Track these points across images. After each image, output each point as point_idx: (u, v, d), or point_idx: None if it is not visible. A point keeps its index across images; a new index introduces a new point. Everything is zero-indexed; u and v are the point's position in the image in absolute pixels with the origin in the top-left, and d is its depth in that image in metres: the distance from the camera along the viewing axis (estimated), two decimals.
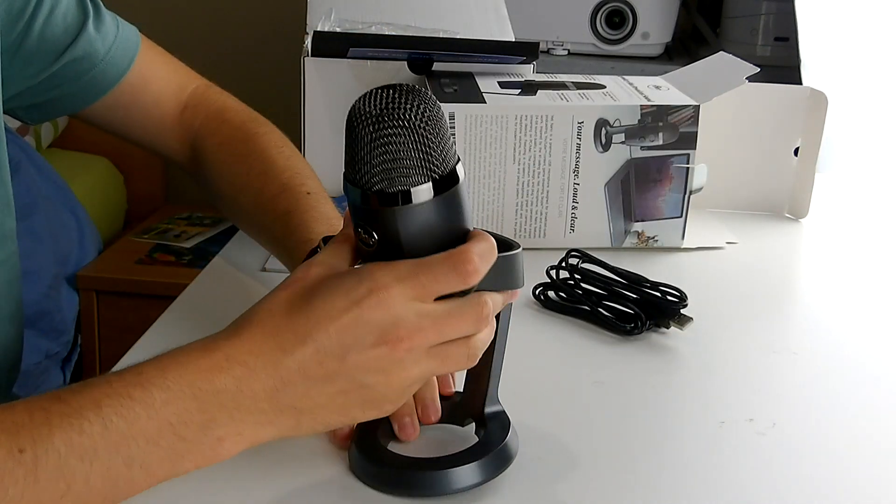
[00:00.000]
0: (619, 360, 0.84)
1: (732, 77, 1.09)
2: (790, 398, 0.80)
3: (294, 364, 0.57)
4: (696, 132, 1.02)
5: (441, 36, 1.17)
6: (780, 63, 1.74)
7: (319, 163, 1.17)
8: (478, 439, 0.68)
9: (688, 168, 1.03)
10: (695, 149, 1.02)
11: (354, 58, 1.13)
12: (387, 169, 0.58)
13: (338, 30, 1.16)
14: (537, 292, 0.92)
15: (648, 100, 1.02)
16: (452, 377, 0.73)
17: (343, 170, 0.61)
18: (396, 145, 0.58)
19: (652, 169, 1.03)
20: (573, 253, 0.93)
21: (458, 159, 0.61)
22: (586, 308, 0.90)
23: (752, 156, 1.17)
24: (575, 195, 1.03)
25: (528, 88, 1.06)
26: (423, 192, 0.58)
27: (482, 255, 0.60)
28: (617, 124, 1.01)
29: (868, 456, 0.72)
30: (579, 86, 1.07)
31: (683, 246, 1.06)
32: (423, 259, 0.59)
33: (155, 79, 0.94)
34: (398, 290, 0.58)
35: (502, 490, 0.65)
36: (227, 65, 2.64)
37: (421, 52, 1.13)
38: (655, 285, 0.89)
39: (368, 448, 0.66)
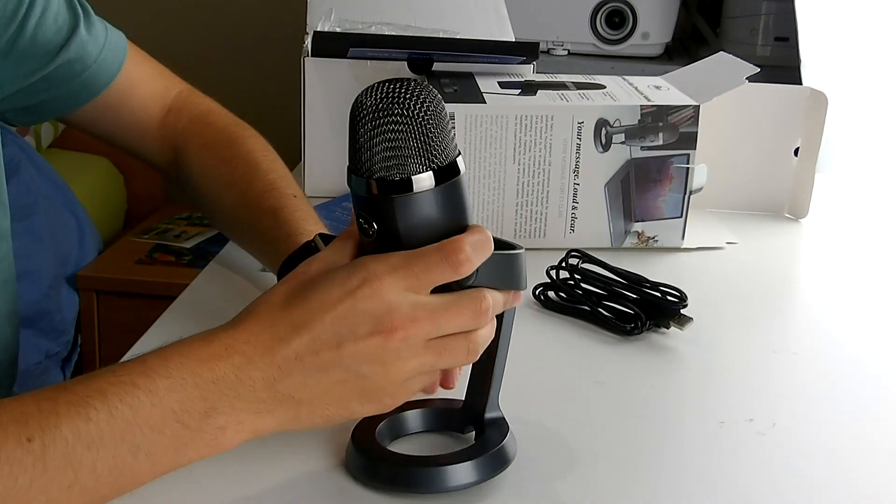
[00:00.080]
0: (619, 360, 0.84)
1: (732, 77, 1.09)
2: (790, 398, 0.80)
3: (290, 353, 0.58)
4: (696, 132, 1.02)
5: (441, 36, 1.17)
6: (780, 63, 1.73)
7: (319, 163, 1.17)
8: (475, 442, 0.68)
9: (688, 168, 1.03)
10: (695, 149, 1.03)
11: (354, 58, 1.13)
12: (387, 157, 0.59)
13: (338, 30, 1.17)
14: (537, 292, 0.92)
15: (648, 100, 1.02)
16: (455, 374, 0.73)
17: (344, 169, 0.62)
18: (397, 133, 0.59)
19: (652, 169, 1.03)
20: (573, 253, 0.93)
21: (459, 153, 0.62)
22: (586, 308, 0.90)
23: (752, 156, 1.17)
24: (575, 195, 1.03)
25: (528, 88, 1.06)
26: (422, 181, 0.60)
27: (475, 246, 0.60)
28: (617, 124, 1.01)
29: (868, 456, 0.72)
30: (579, 86, 1.07)
31: (683, 246, 1.06)
32: (415, 250, 0.60)
33: (142, 82, 0.94)
34: (391, 280, 0.59)
35: (501, 490, 0.65)
36: (227, 65, 2.64)
37: (421, 52, 1.13)
38: (655, 285, 0.89)
39: (365, 445, 0.66)
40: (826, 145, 1.14)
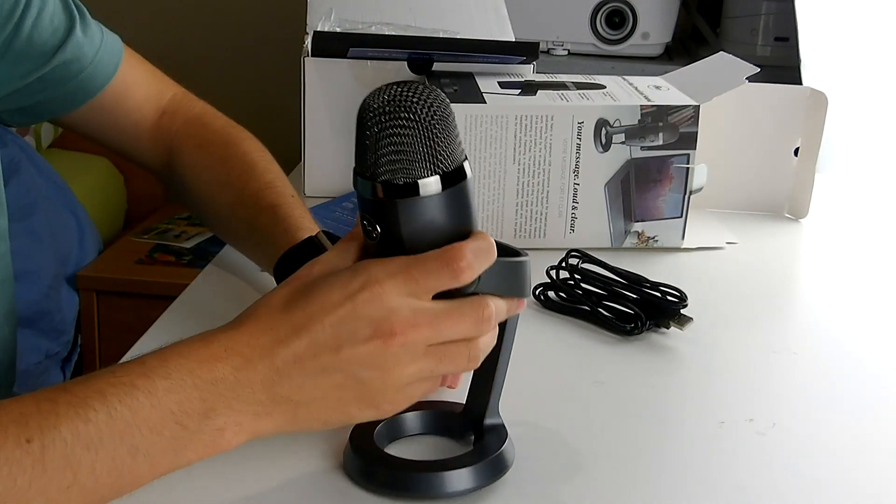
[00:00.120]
0: (619, 360, 0.84)
1: (732, 77, 1.09)
2: (790, 398, 0.80)
3: (289, 355, 0.58)
4: (696, 132, 1.02)
5: (441, 36, 1.17)
6: (780, 63, 1.73)
7: (319, 163, 1.17)
8: (473, 447, 0.67)
9: (688, 168, 1.03)
10: (695, 149, 1.03)
11: (354, 58, 1.13)
12: (392, 160, 0.59)
13: (338, 30, 1.17)
14: (537, 292, 0.92)
15: (648, 100, 1.02)
16: (459, 374, 0.73)
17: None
18: (402, 137, 0.59)
19: (652, 169, 1.03)
20: (573, 253, 0.93)
21: (466, 157, 0.61)
22: (586, 308, 0.90)
23: (752, 156, 1.17)
24: (575, 195, 1.03)
25: (528, 88, 1.06)
26: (426, 186, 0.59)
27: (476, 253, 0.60)
28: (617, 124, 1.01)
29: (868, 456, 0.72)
30: (579, 86, 1.07)
31: (683, 246, 1.06)
32: (417, 255, 0.60)
33: (137, 84, 0.94)
34: (391, 285, 0.59)
35: (501, 490, 0.65)
36: (227, 65, 2.64)
37: (421, 52, 1.13)
38: (655, 285, 0.89)
39: (363, 447, 0.66)
40: (826, 145, 1.14)
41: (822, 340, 0.90)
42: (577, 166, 1.02)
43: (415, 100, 0.59)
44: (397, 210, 0.59)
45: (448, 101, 0.61)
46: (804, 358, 0.86)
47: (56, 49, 0.86)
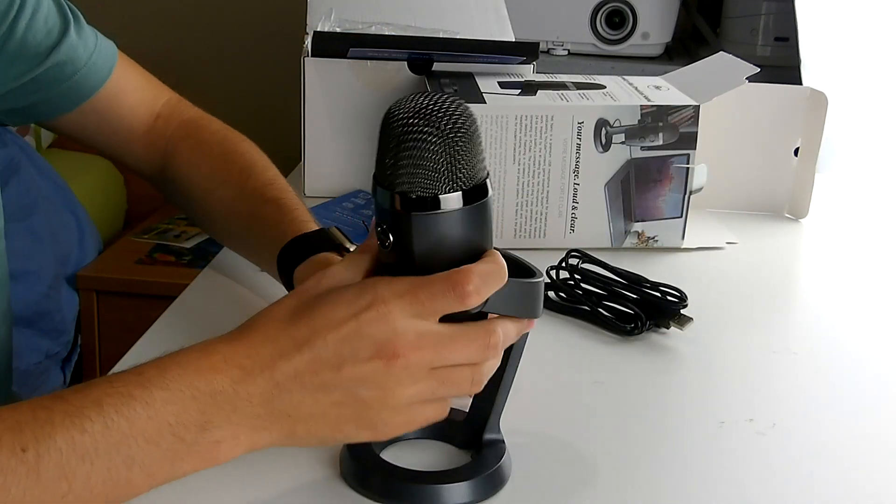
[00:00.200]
0: (619, 360, 0.84)
1: (732, 77, 1.09)
2: (790, 398, 0.80)
3: (290, 370, 0.58)
4: (696, 132, 1.02)
5: (441, 36, 1.17)
6: (780, 63, 1.73)
7: (319, 163, 1.17)
8: (471, 460, 0.67)
9: (688, 168, 1.03)
10: (695, 149, 1.03)
11: (354, 58, 1.13)
12: (411, 173, 0.58)
13: (338, 30, 1.17)
14: None
15: (648, 100, 1.02)
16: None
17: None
18: (423, 150, 0.58)
19: (652, 169, 1.03)
20: (573, 253, 0.93)
21: (488, 174, 0.61)
22: (586, 308, 0.90)
23: (752, 156, 1.17)
24: (575, 195, 1.03)
25: (528, 88, 1.06)
26: (443, 202, 0.58)
27: (484, 277, 0.59)
28: (617, 124, 1.01)
29: (868, 456, 0.72)
30: (579, 86, 1.07)
31: (683, 246, 1.06)
32: (424, 276, 0.59)
33: (131, 88, 0.94)
34: (397, 306, 0.58)
35: (501, 490, 0.65)
36: (227, 65, 2.64)
37: (421, 52, 1.13)
38: (655, 285, 0.89)
39: (361, 455, 0.66)
40: (826, 145, 1.14)
41: (822, 340, 0.90)
42: (577, 166, 1.02)
43: (439, 113, 0.58)
44: (411, 223, 0.59)
45: (474, 115, 0.59)
46: (804, 358, 0.86)
47: (50, 50, 0.86)
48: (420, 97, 0.59)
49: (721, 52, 1.20)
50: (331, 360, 0.58)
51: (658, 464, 0.70)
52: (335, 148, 1.16)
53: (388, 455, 0.67)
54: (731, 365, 0.84)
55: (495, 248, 0.64)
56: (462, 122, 0.58)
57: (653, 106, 1.01)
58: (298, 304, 0.60)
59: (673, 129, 1.02)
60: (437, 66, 1.14)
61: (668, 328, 0.87)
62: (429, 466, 0.67)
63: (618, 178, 1.03)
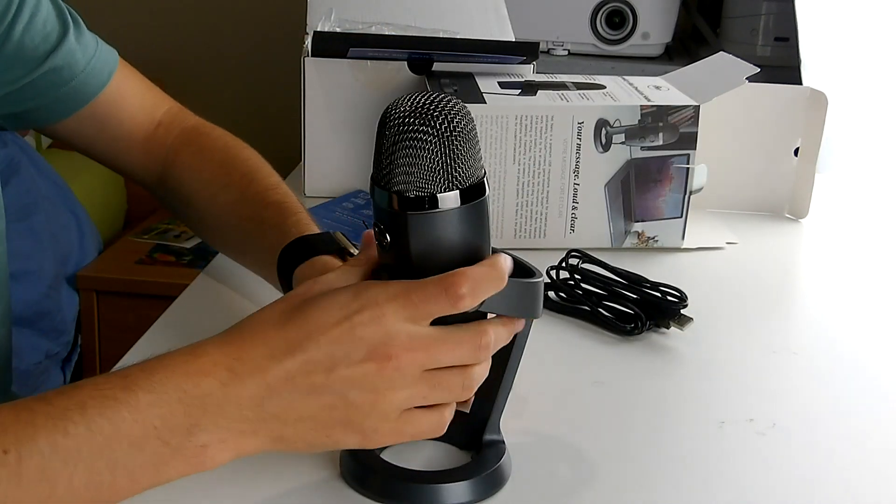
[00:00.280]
0: (619, 360, 0.84)
1: (732, 77, 1.09)
2: (790, 398, 0.80)
3: (282, 372, 0.57)
4: (696, 132, 1.02)
5: (441, 36, 1.17)
6: (780, 63, 1.73)
7: (319, 163, 1.17)
8: (471, 460, 0.67)
9: (688, 168, 1.03)
10: (695, 149, 1.03)
11: (354, 58, 1.13)
12: (407, 172, 0.58)
13: (338, 30, 1.17)
14: None
15: (648, 100, 1.02)
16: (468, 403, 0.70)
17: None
18: (419, 150, 0.58)
19: (652, 169, 1.03)
20: (573, 253, 0.93)
21: (485, 173, 0.61)
22: (586, 308, 0.90)
23: (752, 156, 1.17)
24: (575, 195, 1.03)
25: (528, 88, 1.06)
26: (439, 201, 0.58)
27: (478, 281, 0.59)
28: (617, 124, 1.01)
29: (868, 456, 0.72)
30: (579, 86, 1.07)
31: (683, 246, 1.06)
32: (417, 280, 0.59)
33: (131, 95, 0.94)
34: (391, 308, 0.58)
35: (501, 490, 0.65)
36: (227, 65, 2.64)
37: (421, 52, 1.13)
38: (655, 285, 0.89)
39: (361, 455, 0.66)
40: (826, 145, 1.14)
41: (822, 340, 0.90)
42: (577, 166, 1.02)
43: (436, 113, 0.58)
44: (408, 222, 0.59)
45: (471, 114, 0.60)
46: (803, 358, 0.86)
47: (47, 54, 0.86)
48: (417, 97, 0.59)
49: (721, 52, 1.20)
50: (323, 362, 0.57)
51: (658, 464, 0.70)
52: (335, 148, 1.16)
53: (388, 455, 0.67)
54: (731, 365, 0.85)
55: (495, 249, 0.64)
56: (459, 122, 0.58)
57: (653, 106, 1.01)
58: (290, 307, 0.59)
59: (673, 129, 1.02)
60: (437, 66, 1.14)
61: (668, 328, 0.87)
62: (429, 466, 0.67)
63: (618, 178, 1.03)
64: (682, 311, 0.86)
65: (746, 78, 1.08)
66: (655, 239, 1.06)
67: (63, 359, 2.12)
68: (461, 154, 0.59)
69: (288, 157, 1.27)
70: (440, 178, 0.58)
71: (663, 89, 1.07)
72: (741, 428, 0.74)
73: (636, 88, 1.07)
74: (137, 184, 0.98)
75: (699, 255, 1.06)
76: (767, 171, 1.18)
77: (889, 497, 0.68)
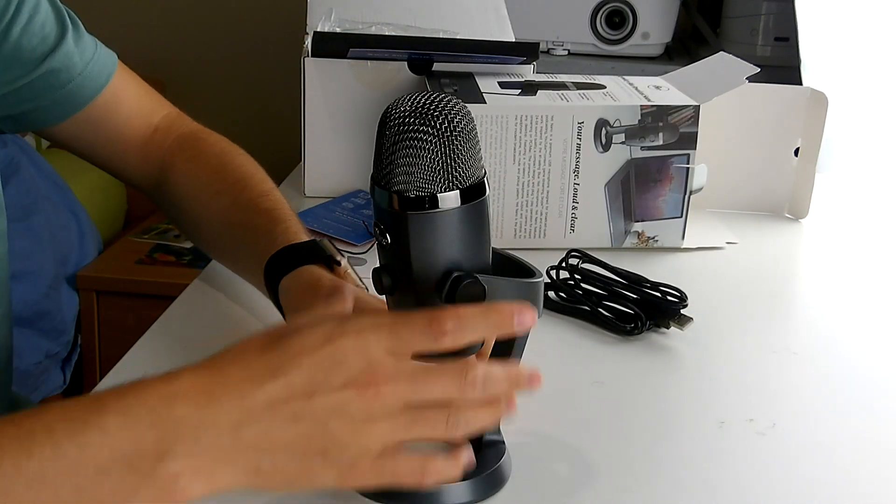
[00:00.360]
0: (619, 360, 0.84)
1: (732, 77, 1.09)
2: (790, 398, 0.80)
3: (262, 397, 0.54)
4: (696, 132, 1.02)
5: (441, 36, 1.17)
6: (780, 63, 1.73)
7: (319, 163, 1.17)
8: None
9: (688, 168, 1.03)
10: (695, 149, 1.03)
11: (354, 58, 1.13)
12: (407, 172, 0.58)
13: (338, 30, 1.17)
14: None
15: (648, 100, 1.02)
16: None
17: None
18: (418, 150, 0.58)
19: (652, 169, 1.03)
20: (573, 253, 0.93)
21: (485, 173, 0.61)
22: (586, 308, 0.90)
23: (752, 156, 1.17)
24: (575, 195, 1.03)
25: (528, 88, 1.06)
26: (439, 201, 0.58)
27: (464, 320, 0.56)
28: (617, 124, 1.01)
29: (868, 456, 0.72)
30: (579, 86, 1.07)
31: (683, 246, 1.06)
32: (405, 313, 0.57)
33: (128, 99, 0.93)
34: (374, 338, 0.55)
35: (501, 490, 0.65)
36: (227, 65, 2.64)
37: (421, 52, 1.13)
38: (655, 285, 0.89)
39: None
40: (826, 145, 1.14)
41: (822, 340, 0.90)
42: (577, 166, 1.02)
43: (436, 113, 0.58)
44: (408, 222, 0.59)
45: (471, 114, 0.60)
46: (804, 358, 0.86)
47: (45, 56, 0.85)
48: (417, 97, 0.59)
49: (721, 52, 1.20)
50: (303, 388, 0.54)
51: (658, 464, 0.70)
52: (335, 148, 1.16)
53: None
54: (731, 365, 0.85)
55: (495, 249, 0.64)
56: (459, 121, 0.59)
57: (653, 106, 1.01)
58: (272, 336, 0.57)
59: (673, 129, 1.02)
60: (437, 66, 1.14)
61: (668, 328, 0.87)
62: None
63: (618, 178, 1.03)
64: (682, 311, 0.86)
65: (746, 78, 1.08)
66: (655, 239, 1.06)
67: (63, 359, 2.12)
68: (461, 154, 0.59)
69: (288, 157, 1.27)
70: (440, 178, 0.58)
71: (663, 89, 1.07)
72: (741, 428, 0.74)
73: (636, 88, 1.07)
74: (134, 188, 0.98)
75: (699, 255, 1.06)
76: (767, 171, 1.18)
77: (889, 497, 0.68)
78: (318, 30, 1.16)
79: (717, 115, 1.09)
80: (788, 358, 0.86)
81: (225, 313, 0.88)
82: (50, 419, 0.52)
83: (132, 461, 0.52)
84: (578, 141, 1.02)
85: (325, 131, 1.16)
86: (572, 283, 0.92)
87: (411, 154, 0.58)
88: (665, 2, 1.88)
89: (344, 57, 1.13)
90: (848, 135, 1.47)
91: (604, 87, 1.07)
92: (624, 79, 1.11)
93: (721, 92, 1.06)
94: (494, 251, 0.64)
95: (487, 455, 0.66)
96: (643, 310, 0.87)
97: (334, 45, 1.13)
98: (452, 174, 0.58)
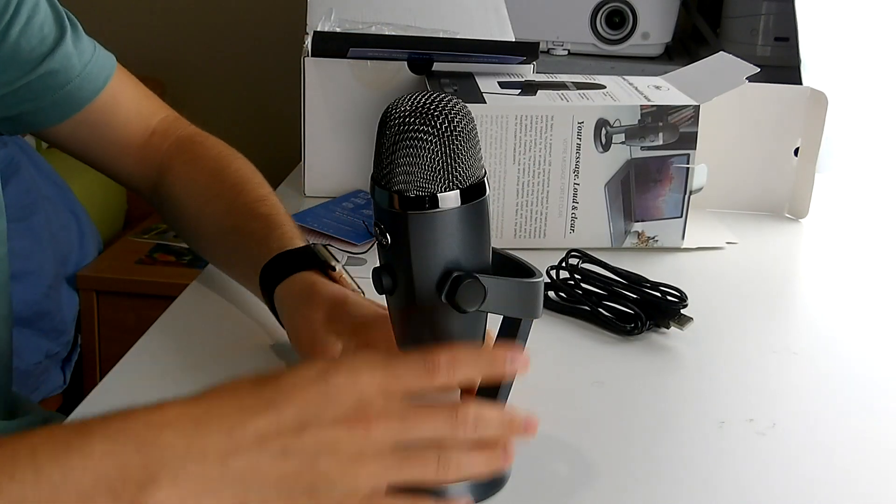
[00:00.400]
0: (619, 360, 0.84)
1: (732, 77, 1.09)
2: (790, 398, 0.80)
3: (252, 429, 0.53)
4: (696, 132, 1.02)
5: (441, 36, 1.17)
6: (780, 63, 1.73)
7: (319, 163, 1.17)
8: None
9: (688, 168, 1.03)
10: (695, 149, 1.03)
11: (354, 58, 1.13)
12: (407, 171, 0.58)
13: (338, 30, 1.17)
14: None
15: (648, 100, 1.02)
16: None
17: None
18: (418, 149, 0.58)
19: (652, 169, 1.03)
20: (573, 253, 0.93)
21: (486, 172, 0.61)
22: (586, 308, 0.90)
23: (752, 156, 1.17)
24: (575, 195, 1.03)
25: (528, 88, 1.06)
26: (439, 201, 0.58)
27: (455, 358, 0.56)
28: (617, 124, 1.01)
29: (868, 456, 0.72)
30: (579, 86, 1.07)
31: (683, 246, 1.06)
32: (399, 353, 0.58)
33: (126, 101, 0.93)
34: (368, 375, 0.55)
35: (501, 490, 0.65)
36: (227, 65, 2.64)
37: (421, 52, 1.13)
38: (655, 285, 0.89)
39: None
40: (826, 145, 1.14)
41: (822, 340, 0.90)
42: (577, 166, 1.02)
43: (436, 113, 0.58)
44: (408, 222, 0.59)
45: (471, 114, 0.60)
46: (804, 358, 0.86)
47: (43, 57, 0.85)
48: (417, 96, 0.59)
49: (721, 52, 1.20)
50: (294, 422, 0.54)
51: (658, 464, 0.70)
52: (335, 148, 1.16)
53: None
54: (731, 365, 0.85)
55: (495, 249, 0.64)
56: (459, 121, 0.59)
57: (653, 106, 1.01)
58: (266, 374, 0.57)
59: (673, 129, 1.02)
60: (437, 66, 1.14)
61: (668, 328, 0.87)
62: None
63: (618, 178, 1.03)
64: (682, 311, 0.86)
65: (746, 78, 1.08)
66: (655, 239, 1.06)
67: (63, 359, 2.12)
68: (461, 154, 0.59)
69: (288, 157, 1.27)
70: (440, 178, 0.58)
71: (663, 89, 1.07)
72: (741, 428, 0.74)
73: (636, 88, 1.07)
74: (131, 190, 0.98)
75: (699, 255, 1.06)
76: (767, 171, 1.18)
77: (889, 497, 0.68)
78: (318, 30, 1.16)
79: (717, 115, 1.09)
80: (788, 358, 0.86)
81: (225, 313, 0.88)
82: (34, 442, 0.52)
83: (116, 487, 0.51)
84: (578, 141, 1.02)
85: (325, 131, 1.16)
86: (572, 283, 0.92)
87: (411, 154, 0.58)
88: (665, 2, 1.87)
89: (344, 57, 1.13)
90: (848, 135, 1.47)
91: (604, 87, 1.07)
92: (624, 79, 1.11)
93: (721, 92, 1.06)
94: (494, 251, 0.64)
95: None
96: (643, 310, 0.87)
97: (334, 45, 1.13)
98: (452, 174, 0.59)
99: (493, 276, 0.62)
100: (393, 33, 1.16)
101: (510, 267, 0.64)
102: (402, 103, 0.59)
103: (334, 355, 0.71)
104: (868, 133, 1.50)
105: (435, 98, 0.59)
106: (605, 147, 1.02)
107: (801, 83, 1.49)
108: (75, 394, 2.15)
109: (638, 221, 1.05)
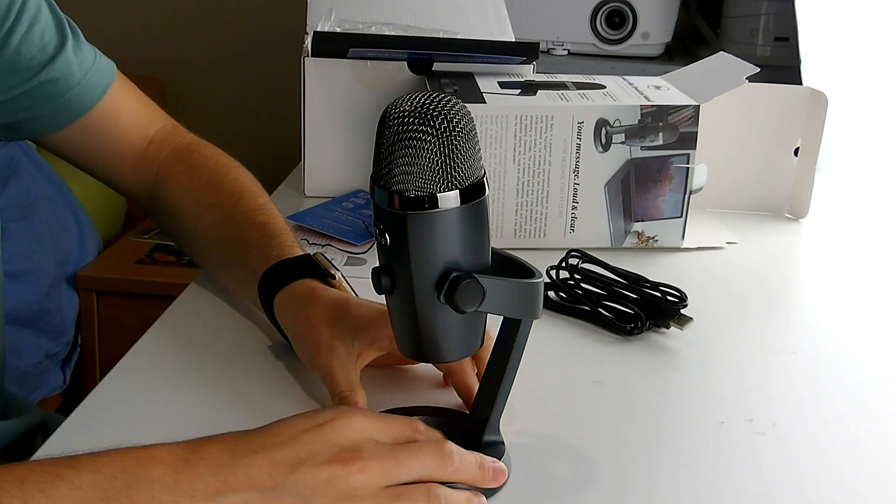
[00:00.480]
0: (619, 360, 0.84)
1: (732, 77, 1.09)
2: (790, 398, 0.80)
3: (242, 469, 0.54)
4: (696, 132, 1.02)
5: (441, 36, 1.17)
6: (780, 63, 1.73)
7: (319, 163, 1.17)
8: None
9: (688, 168, 1.03)
10: (695, 149, 1.02)
11: (354, 58, 1.13)
12: (406, 171, 0.58)
13: (338, 30, 1.17)
14: None
15: (648, 100, 1.02)
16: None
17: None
18: (418, 150, 0.58)
19: (652, 169, 1.03)
20: (573, 253, 0.93)
21: (485, 173, 0.61)
22: (586, 308, 0.90)
23: (752, 156, 1.17)
24: (575, 195, 1.03)
25: (528, 88, 1.06)
26: (438, 201, 0.58)
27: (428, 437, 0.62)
28: (617, 124, 1.01)
29: (867, 456, 0.72)
30: (579, 86, 1.07)
31: (683, 246, 1.06)
32: (389, 415, 0.62)
33: (125, 110, 0.93)
34: (362, 421, 0.59)
35: (501, 490, 0.65)
36: (227, 65, 2.64)
37: (421, 52, 1.13)
38: (655, 285, 0.89)
39: None
40: (826, 145, 1.14)
41: (822, 340, 0.90)
42: (577, 166, 1.02)
43: (435, 113, 0.58)
44: (407, 222, 0.59)
45: (471, 115, 0.60)
46: (804, 358, 0.86)
47: (43, 65, 0.85)
48: (417, 97, 0.59)
49: (721, 52, 1.20)
50: (287, 461, 0.55)
51: (658, 464, 0.70)
52: (335, 148, 1.16)
53: None
54: (731, 365, 0.84)
55: (495, 249, 0.64)
56: (458, 121, 0.59)
57: (653, 106, 1.01)
58: (256, 428, 0.58)
59: (673, 129, 1.02)
60: (437, 66, 1.14)
61: (668, 328, 0.87)
62: None
63: (618, 178, 1.03)
64: (682, 311, 0.86)
65: (746, 78, 1.08)
66: (655, 239, 1.06)
67: (63, 359, 2.12)
68: (461, 154, 0.59)
69: (288, 157, 1.27)
70: (440, 178, 0.58)
71: (663, 89, 1.07)
72: (741, 428, 0.74)
73: (636, 88, 1.07)
74: (129, 198, 0.97)
75: (699, 255, 1.06)
76: (767, 171, 1.18)
77: (889, 497, 0.68)
78: (318, 30, 1.16)
79: (717, 115, 1.09)
80: (788, 358, 0.86)
81: (225, 313, 0.88)
82: (23, 472, 0.52)
83: None
84: (578, 141, 1.02)
85: (325, 131, 1.16)
86: (572, 283, 0.92)
87: (411, 154, 0.58)
88: (665, 2, 1.88)
89: (344, 57, 1.13)
90: (848, 135, 1.47)
91: (604, 87, 1.07)
92: (624, 79, 1.11)
93: (721, 92, 1.06)
94: (494, 251, 0.64)
95: (487, 455, 0.66)
96: (643, 310, 0.87)
97: (334, 45, 1.13)
98: (452, 174, 0.58)
99: (493, 277, 0.62)
100: (393, 33, 1.16)
101: (510, 267, 0.64)
102: (402, 103, 0.59)
103: (339, 362, 0.71)
104: (868, 133, 1.50)
105: (434, 98, 0.59)
106: (605, 147, 1.02)
107: (801, 83, 1.49)
108: (75, 394, 2.15)
109: (638, 221, 1.05)
